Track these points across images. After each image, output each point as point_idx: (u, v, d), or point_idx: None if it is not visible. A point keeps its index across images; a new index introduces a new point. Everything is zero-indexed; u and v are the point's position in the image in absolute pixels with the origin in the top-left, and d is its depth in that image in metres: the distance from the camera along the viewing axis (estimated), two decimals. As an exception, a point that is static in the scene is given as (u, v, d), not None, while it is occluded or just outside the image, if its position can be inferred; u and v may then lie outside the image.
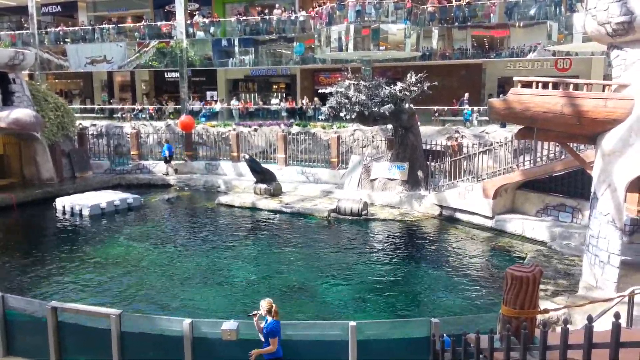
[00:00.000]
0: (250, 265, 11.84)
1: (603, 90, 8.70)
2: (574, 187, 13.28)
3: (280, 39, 29.80)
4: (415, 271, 11.43)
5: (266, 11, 28.52)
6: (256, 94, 33.00)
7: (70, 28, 31.91)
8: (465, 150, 16.51)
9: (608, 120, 8.29)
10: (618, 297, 6.21)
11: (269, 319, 5.89)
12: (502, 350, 3.53)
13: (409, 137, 17.18)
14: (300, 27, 27.11)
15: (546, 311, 4.81)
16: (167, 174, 21.21)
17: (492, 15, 24.09)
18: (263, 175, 18.17)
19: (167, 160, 21.33)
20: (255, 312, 6.07)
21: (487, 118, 20.77)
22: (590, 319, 2.99)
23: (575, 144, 11.47)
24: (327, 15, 23.68)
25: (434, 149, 17.77)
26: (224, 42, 30.67)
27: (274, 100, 30.61)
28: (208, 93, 31.55)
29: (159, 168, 21.78)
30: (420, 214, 15.68)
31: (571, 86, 8.71)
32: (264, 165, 18.83)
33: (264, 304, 5.98)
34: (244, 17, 28.79)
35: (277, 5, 28.41)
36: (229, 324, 6.22)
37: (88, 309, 7.14)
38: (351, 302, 9.77)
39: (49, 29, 32.36)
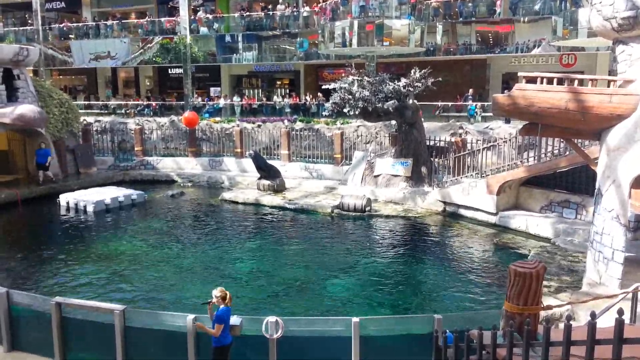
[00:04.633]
0: (254, 261, 11.87)
1: (608, 86, 8.65)
2: (578, 183, 13.23)
3: (284, 34, 29.76)
4: (418, 267, 11.42)
5: (269, 7, 28.48)
6: (260, 90, 33.01)
7: (74, 24, 31.96)
8: (469, 146, 16.47)
9: (613, 116, 8.24)
10: (622, 294, 6.19)
11: (221, 306, 6.05)
12: (505, 347, 3.53)
13: (413, 133, 17.14)
14: (304, 22, 27.09)
15: (549, 307, 4.81)
16: (51, 179, 18.61)
17: (496, 10, 24.01)
18: (267, 172, 18.19)
19: (44, 168, 18.47)
20: (210, 300, 6.17)
21: (491, 114, 20.73)
22: (593, 316, 2.98)
23: (579, 140, 11.42)
24: (330, 11, 23.65)
25: (438, 145, 17.74)
26: (228, 38, 30.66)
27: (278, 97, 30.63)
28: (212, 89, 31.58)
29: (162, 164, 21.84)
30: (423, 210, 15.66)
31: (576, 82, 8.65)
32: (268, 162, 18.84)
33: (217, 292, 6.09)
34: (248, 13, 28.76)
35: (280, 1, 28.36)
36: (233, 320, 6.24)
37: (92, 304, 7.17)
38: (354, 298, 9.77)
39: (53, 25, 32.42)
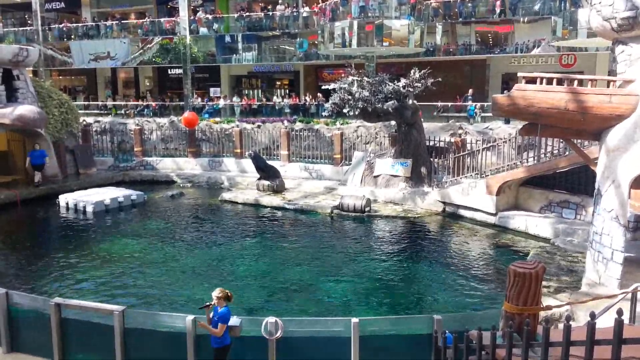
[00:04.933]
0: (253, 261, 11.86)
1: (608, 86, 8.65)
2: (577, 183, 13.23)
3: (284, 35, 29.77)
4: (417, 268, 11.42)
5: (269, 7, 28.47)
6: (259, 91, 33.01)
7: (74, 24, 31.95)
8: (468, 146, 16.47)
9: (612, 116, 8.24)
10: (621, 294, 6.19)
11: (220, 308, 6.02)
12: (504, 347, 3.53)
13: (413, 133, 17.14)
14: (303, 23, 27.08)
15: (549, 308, 4.81)
16: (39, 183, 18.20)
17: (496, 10, 24.02)
18: (267, 172, 18.19)
19: (39, 168, 18.30)
20: (208, 303, 6.14)
21: (490, 114, 20.74)
22: (593, 316, 2.98)
23: (579, 140, 11.43)
24: (330, 11, 23.64)
25: (438, 145, 17.74)
26: (227, 39, 30.65)
27: (277, 97, 30.62)
28: (211, 89, 31.59)
29: (162, 165, 21.84)
30: (423, 210, 15.65)
31: (575, 82, 8.65)
32: (268, 162, 18.84)
33: (217, 293, 6.05)
34: (247, 13, 28.76)
35: (280, 1, 28.36)
36: (232, 321, 6.23)
37: (91, 305, 7.16)
38: (354, 298, 9.77)
39: (52, 26, 32.41)
